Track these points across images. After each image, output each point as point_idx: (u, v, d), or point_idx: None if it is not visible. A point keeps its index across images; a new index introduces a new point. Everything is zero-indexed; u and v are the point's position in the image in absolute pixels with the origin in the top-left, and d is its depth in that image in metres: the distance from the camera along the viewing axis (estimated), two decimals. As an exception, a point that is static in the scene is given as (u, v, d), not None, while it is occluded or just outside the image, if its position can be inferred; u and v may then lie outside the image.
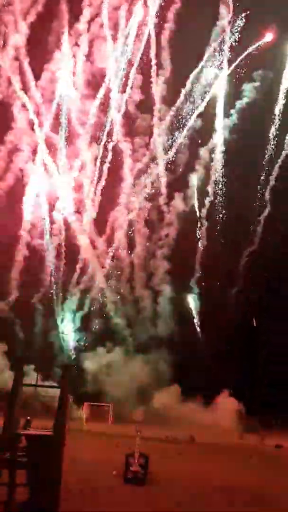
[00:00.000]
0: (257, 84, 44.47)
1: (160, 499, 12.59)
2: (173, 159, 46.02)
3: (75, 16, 44.09)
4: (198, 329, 45.81)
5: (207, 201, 45.98)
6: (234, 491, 15.01)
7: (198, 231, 46.28)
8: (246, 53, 44.29)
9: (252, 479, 18.22)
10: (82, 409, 37.56)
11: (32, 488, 10.24)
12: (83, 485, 13.50)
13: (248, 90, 44.75)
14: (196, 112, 45.42)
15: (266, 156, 45.04)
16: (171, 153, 45.84)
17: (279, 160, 45.19)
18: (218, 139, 45.53)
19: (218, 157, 45.61)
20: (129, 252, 45.97)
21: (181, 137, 45.77)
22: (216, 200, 45.96)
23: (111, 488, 13.77)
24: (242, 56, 44.39)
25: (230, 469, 20.91)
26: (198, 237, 46.24)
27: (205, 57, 44.91)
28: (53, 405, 11.25)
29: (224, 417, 38.58)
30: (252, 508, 12.65)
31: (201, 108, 45.42)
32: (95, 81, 45.30)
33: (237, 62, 44.43)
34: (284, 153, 45.29)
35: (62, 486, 10.80)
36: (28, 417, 12.21)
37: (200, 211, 46.18)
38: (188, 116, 45.66)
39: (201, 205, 46.08)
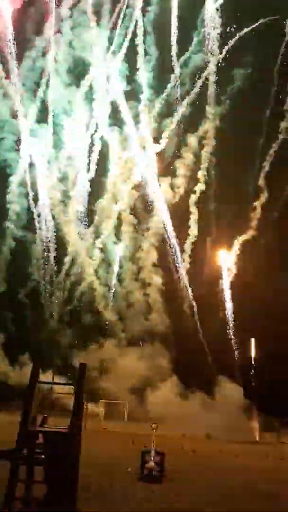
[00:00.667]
0: (248, 69, 43.58)
1: (175, 497, 12.53)
2: (163, 147, 45.10)
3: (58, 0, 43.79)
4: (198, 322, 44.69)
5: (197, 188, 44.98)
6: (252, 489, 14.91)
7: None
8: (237, 37, 43.24)
9: (270, 477, 18.10)
10: (100, 407, 37.49)
11: (49, 485, 10.27)
12: (99, 482, 13.52)
13: (240, 75, 43.92)
14: (187, 99, 44.54)
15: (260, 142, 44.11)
16: (162, 141, 44.87)
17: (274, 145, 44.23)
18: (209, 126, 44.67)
19: (209, 144, 44.70)
20: (118, 243, 45.21)
21: (171, 125, 44.84)
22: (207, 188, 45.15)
23: (126, 485, 13.74)
24: (233, 41, 43.36)
25: (248, 467, 20.75)
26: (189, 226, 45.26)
27: (194, 42, 44.12)
28: (69, 403, 11.26)
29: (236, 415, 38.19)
30: (269, 507, 12.52)
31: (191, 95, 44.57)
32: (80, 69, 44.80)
33: (228, 46, 43.41)
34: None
35: (78, 483, 10.84)
36: (45, 415, 12.26)
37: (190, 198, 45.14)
38: (177, 103, 44.90)
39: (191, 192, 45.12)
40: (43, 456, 10.36)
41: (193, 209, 44.85)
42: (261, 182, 44.28)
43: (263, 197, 44.36)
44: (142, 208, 45.88)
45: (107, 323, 44.06)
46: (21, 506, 9.84)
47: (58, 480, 9.86)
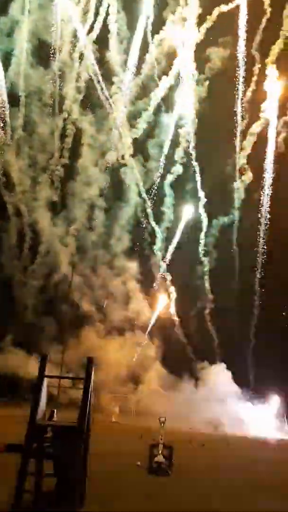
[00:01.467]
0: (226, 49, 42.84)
1: (184, 490, 12.58)
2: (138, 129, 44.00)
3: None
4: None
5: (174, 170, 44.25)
6: (260, 484, 14.93)
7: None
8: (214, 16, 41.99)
9: (278, 470, 18.12)
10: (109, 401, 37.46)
11: (59, 479, 10.37)
12: (108, 476, 13.61)
13: (216, 55, 43.08)
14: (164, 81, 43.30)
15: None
16: (139, 125, 43.92)
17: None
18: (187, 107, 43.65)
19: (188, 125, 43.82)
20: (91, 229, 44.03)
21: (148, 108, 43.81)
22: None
23: (135, 479, 13.82)
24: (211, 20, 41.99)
25: (257, 461, 20.78)
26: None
27: (169, 22, 42.65)
28: (78, 397, 11.33)
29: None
30: (276, 500, 12.55)
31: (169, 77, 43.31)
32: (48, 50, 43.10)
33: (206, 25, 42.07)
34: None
35: (87, 476, 10.93)
36: (53, 409, 12.36)
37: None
38: (153, 86, 43.90)
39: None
40: (52, 450, 10.46)
41: (169, 191, 44.30)
42: (242, 162, 43.85)
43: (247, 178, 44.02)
44: (116, 193, 44.78)
45: (85, 313, 42.15)
46: (31, 499, 9.95)
47: (67, 473, 9.95)
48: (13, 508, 9.25)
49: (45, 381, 10.82)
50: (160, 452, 15.48)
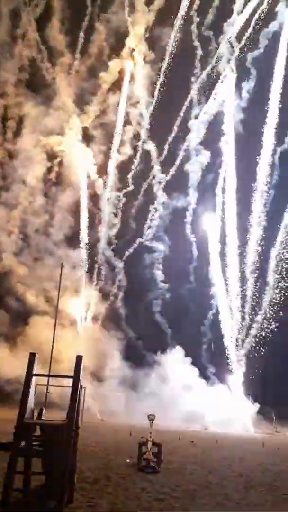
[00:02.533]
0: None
1: (173, 487, 12.62)
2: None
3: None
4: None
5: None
6: (249, 479, 15.03)
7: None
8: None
9: (267, 468, 18.25)
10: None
11: (47, 477, 10.36)
12: (96, 474, 13.61)
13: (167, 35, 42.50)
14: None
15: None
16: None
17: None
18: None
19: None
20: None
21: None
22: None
23: (124, 476, 13.84)
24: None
25: (245, 457, 20.92)
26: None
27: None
28: (66, 395, 11.30)
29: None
30: (265, 496, 12.63)
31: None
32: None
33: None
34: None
35: (76, 475, 10.92)
36: (42, 407, 12.33)
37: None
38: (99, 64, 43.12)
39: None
40: (40, 448, 10.44)
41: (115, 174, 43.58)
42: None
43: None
44: (56, 177, 43.50)
45: (32, 305, 40.55)
46: (20, 497, 9.92)
47: (55, 471, 9.93)
48: (1, 507, 9.21)
49: (34, 379, 10.78)
50: (149, 449, 15.55)
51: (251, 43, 42.08)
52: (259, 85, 41.90)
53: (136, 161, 43.46)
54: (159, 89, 42.86)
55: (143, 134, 43.38)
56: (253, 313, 39.70)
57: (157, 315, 42.20)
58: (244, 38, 41.95)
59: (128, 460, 16.39)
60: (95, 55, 43.22)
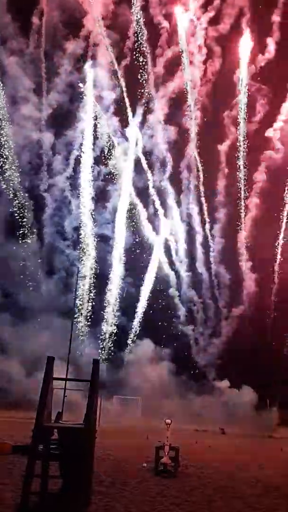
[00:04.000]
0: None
1: (190, 492, 12.62)
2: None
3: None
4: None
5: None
6: (266, 483, 14.93)
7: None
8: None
9: (284, 472, 18.08)
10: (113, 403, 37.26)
11: (65, 480, 10.45)
12: (113, 478, 13.67)
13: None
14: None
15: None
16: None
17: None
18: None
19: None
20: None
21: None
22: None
23: (141, 480, 13.87)
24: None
25: (262, 461, 20.76)
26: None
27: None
28: (79, 398, 11.41)
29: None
30: (282, 501, 12.55)
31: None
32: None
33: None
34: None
35: (93, 478, 11.00)
36: (59, 410, 12.44)
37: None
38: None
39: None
40: (58, 451, 10.54)
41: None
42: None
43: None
44: None
45: None
46: (37, 500, 10.02)
47: (73, 475, 10.02)
48: (19, 510, 9.32)
49: (52, 383, 10.89)
50: (166, 453, 15.50)
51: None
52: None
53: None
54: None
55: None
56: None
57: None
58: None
59: (144, 464, 16.40)
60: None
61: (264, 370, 38.78)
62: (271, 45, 42.02)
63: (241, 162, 43.26)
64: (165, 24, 42.87)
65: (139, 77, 42.86)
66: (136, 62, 42.77)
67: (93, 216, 42.03)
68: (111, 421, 31.96)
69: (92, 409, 10.62)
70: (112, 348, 40.89)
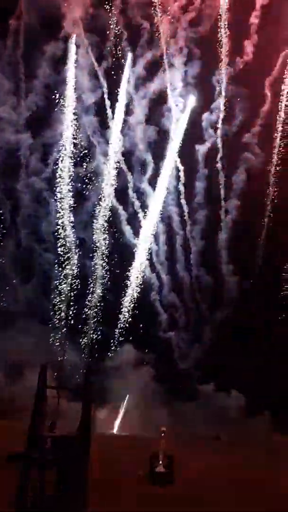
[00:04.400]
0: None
1: (184, 499, 12.59)
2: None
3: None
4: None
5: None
6: (260, 487, 14.93)
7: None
8: None
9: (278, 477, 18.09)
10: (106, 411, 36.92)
11: (61, 488, 10.37)
12: (109, 485, 13.58)
13: None
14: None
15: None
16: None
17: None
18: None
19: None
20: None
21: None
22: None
23: (136, 488, 13.81)
24: None
25: (257, 466, 20.71)
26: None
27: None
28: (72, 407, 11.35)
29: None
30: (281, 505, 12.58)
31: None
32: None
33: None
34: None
35: (89, 486, 10.92)
36: (53, 420, 12.33)
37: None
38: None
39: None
40: (53, 460, 10.46)
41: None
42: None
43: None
44: None
45: None
46: (33, 508, 9.92)
47: (69, 483, 9.95)
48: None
49: (46, 391, 10.82)
50: (160, 462, 15.42)
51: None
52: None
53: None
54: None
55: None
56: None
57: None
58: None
59: (140, 473, 16.29)
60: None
61: (252, 374, 38.52)
62: (248, 47, 42.13)
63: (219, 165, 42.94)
64: (146, 25, 42.78)
65: (119, 78, 42.91)
66: (116, 63, 42.43)
67: (71, 218, 41.74)
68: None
69: (85, 417, 10.57)
70: (94, 354, 40.37)
